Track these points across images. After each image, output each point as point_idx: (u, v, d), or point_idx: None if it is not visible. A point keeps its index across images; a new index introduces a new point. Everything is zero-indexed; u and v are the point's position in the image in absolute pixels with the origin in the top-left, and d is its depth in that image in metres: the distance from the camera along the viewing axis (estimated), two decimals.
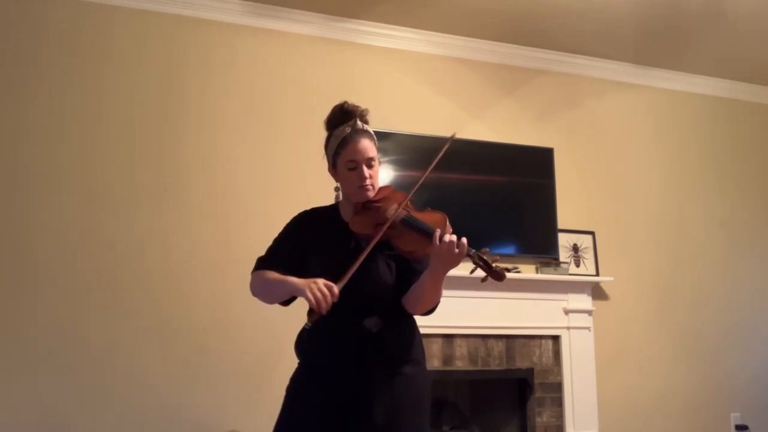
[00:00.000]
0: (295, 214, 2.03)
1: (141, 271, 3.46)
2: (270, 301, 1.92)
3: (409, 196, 1.87)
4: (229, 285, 3.49)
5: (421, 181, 1.88)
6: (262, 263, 1.94)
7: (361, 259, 1.74)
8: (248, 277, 1.95)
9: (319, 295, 1.67)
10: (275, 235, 2.00)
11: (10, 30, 3.47)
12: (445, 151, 1.91)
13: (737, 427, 4.45)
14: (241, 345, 3.53)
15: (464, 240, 1.72)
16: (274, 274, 1.86)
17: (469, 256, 1.73)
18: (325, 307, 1.67)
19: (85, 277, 3.37)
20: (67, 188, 3.43)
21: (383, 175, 3.76)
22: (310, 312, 1.73)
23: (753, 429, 4.46)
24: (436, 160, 1.90)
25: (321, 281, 1.70)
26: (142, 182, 3.54)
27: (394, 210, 1.83)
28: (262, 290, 1.91)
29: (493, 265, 1.73)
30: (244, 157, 3.74)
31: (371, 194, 1.89)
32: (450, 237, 1.72)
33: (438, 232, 1.72)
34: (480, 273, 1.76)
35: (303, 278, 1.81)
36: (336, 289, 1.69)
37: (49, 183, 3.40)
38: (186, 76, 3.71)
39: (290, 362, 2.00)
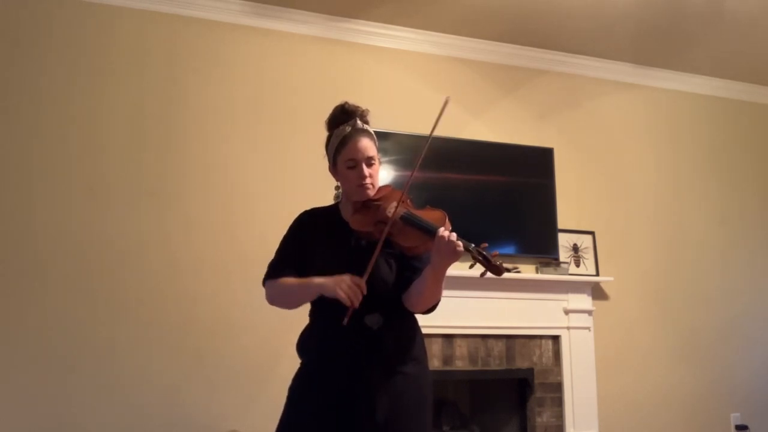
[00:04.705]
0: (297, 212, 2.04)
1: (143, 271, 3.46)
2: (292, 307, 1.94)
3: (406, 188, 1.88)
4: (231, 285, 3.49)
5: (417, 166, 1.88)
6: (274, 271, 1.94)
7: (378, 252, 1.76)
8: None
9: (350, 292, 1.71)
10: (278, 234, 2.01)
11: (12, 30, 3.47)
12: (439, 118, 1.95)
13: (737, 427, 4.45)
14: (241, 345, 3.53)
15: (460, 241, 1.73)
16: (293, 280, 1.87)
17: (468, 250, 1.74)
18: (357, 302, 1.71)
19: (87, 275, 3.38)
20: (70, 187, 3.43)
21: (383, 174, 3.76)
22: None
23: (753, 429, 4.47)
24: (432, 134, 1.93)
25: (347, 277, 1.74)
26: (144, 181, 3.55)
27: (393, 208, 1.84)
28: (283, 298, 1.92)
29: (492, 259, 1.74)
30: (245, 156, 3.74)
31: (371, 193, 1.91)
32: (449, 234, 1.73)
33: (440, 229, 1.74)
34: (479, 268, 1.77)
35: (307, 276, 1.84)
36: (363, 282, 1.72)
37: (52, 181, 3.41)
38: (187, 75, 3.72)
39: (291, 362, 2.00)
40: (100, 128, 3.53)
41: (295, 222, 2.01)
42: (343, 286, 1.71)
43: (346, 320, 1.72)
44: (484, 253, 1.74)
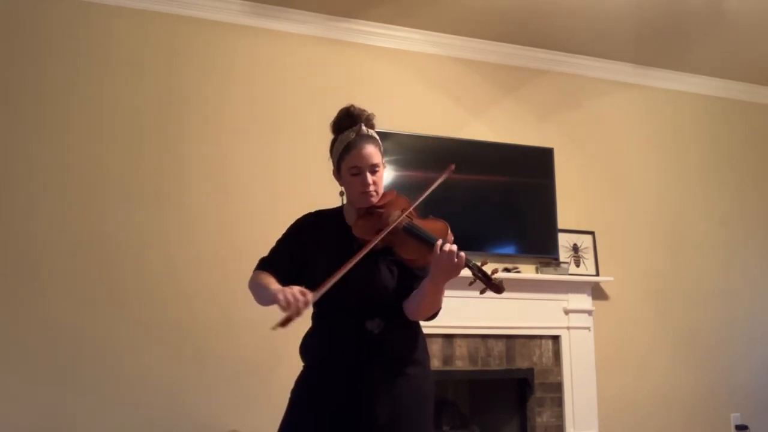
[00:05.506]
0: (296, 213, 2.03)
1: (142, 271, 3.46)
2: (260, 304, 1.89)
3: (413, 206, 1.87)
4: (231, 285, 3.48)
5: (423, 197, 1.88)
6: (263, 264, 1.93)
7: (345, 270, 1.69)
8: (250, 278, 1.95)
9: (290, 298, 1.63)
10: (276, 234, 2.00)
11: (12, 30, 3.46)
12: (442, 181, 1.94)
13: (737, 427, 4.45)
14: (241, 345, 3.53)
15: (462, 253, 1.71)
16: (265, 279, 1.84)
17: (468, 267, 1.73)
18: (295, 311, 1.61)
19: (86, 275, 3.37)
20: (70, 187, 3.43)
21: (384, 175, 3.76)
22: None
23: (753, 429, 4.47)
24: (434, 186, 1.92)
25: (297, 288, 1.66)
26: (143, 181, 3.55)
27: (396, 217, 1.83)
28: (253, 292, 1.90)
29: (492, 277, 1.73)
30: (244, 156, 3.74)
31: (374, 200, 1.89)
32: (450, 247, 1.71)
33: (439, 242, 1.72)
34: (479, 284, 1.76)
35: (307, 279, 1.83)
36: (310, 296, 1.65)
37: (52, 181, 3.40)
38: (186, 75, 3.71)
39: (291, 362, 2.00)
40: (99, 128, 3.53)
41: (298, 222, 2.00)
42: (286, 291, 1.64)
43: (275, 326, 1.61)
44: (484, 270, 1.73)
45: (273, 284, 1.78)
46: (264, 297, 1.82)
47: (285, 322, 1.62)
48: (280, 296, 1.64)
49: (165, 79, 3.68)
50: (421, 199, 1.89)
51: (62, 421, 3.22)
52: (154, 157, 3.59)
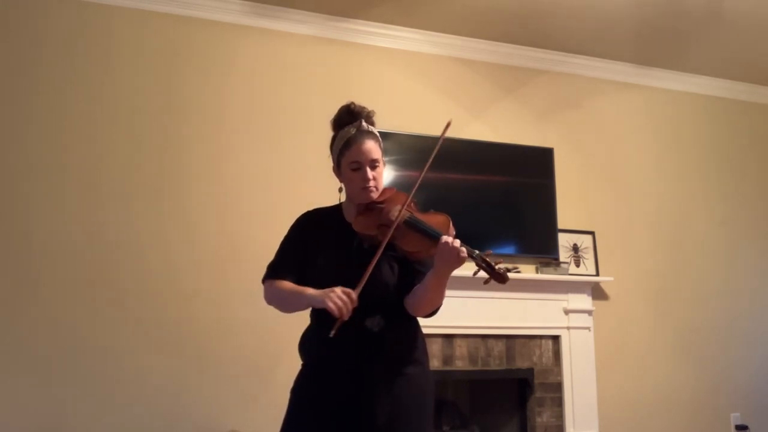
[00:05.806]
0: (296, 213, 2.03)
1: (142, 271, 3.45)
2: (287, 312, 1.93)
3: (411, 195, 1.87)
4: (231, 285, 3.49)
5: (420, 179, 1.88)
6: (273, 272, 1.94)
7: (375, 261, 1.74)
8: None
9: (339, 303, 1.68)
10: (275, 234, 2.00)
11: (11, 30, 3.46)
12: (442, 141, 1.90)
13: (737, 427, 4.45)
14: (241, 345, 3.52)
15: (464, 248, 1.72)
16: (288, 285, 1.87)
17: (472, 258, 1.73)
18: (346, 314, 1.68)
19: (85, 276, 3.37)
20: (69, 187, 3.42)
21: (384, 174, 3.76)
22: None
23: (753, 429, 4.47)
24: (435, 151, 1.90)
25: (338, 289, 1.71)
26: (143, 181, 3.54)
27: (397, 211, 1.83)
28: (277, 302, 1.92)
29: (496, 267, 1.73)
30: (244, 156, 3.74)
31: (374, 195, 1.90)
32: (453, 239, 1.72)
33: (443, 237, 1.73)
34: (483, 275, 1.76)
35: (307, 277, 1.85)
36: (354, 294, 1.70)
37: (51, 181, 3.40)
38: (186, 75, 3.71)
39: (291, 362, 2.00)
40: (98, 128, 3.53)
41: (296, 222, 2.00)
42: (333, 297, 1.69)
43: (333, 332, 1.69)
44: (488, 260, 1.73)
45: (307, 290, 1.81)
46: (297, 304, 1.86)
47: (339, 328, 1.69)
48: (330, 304, 1.69)
49: (165, 79, 3.68)
50: (431, 159, 1.88)
51: (62, 421, 3.22)
52: (154, 157, 3.59)
